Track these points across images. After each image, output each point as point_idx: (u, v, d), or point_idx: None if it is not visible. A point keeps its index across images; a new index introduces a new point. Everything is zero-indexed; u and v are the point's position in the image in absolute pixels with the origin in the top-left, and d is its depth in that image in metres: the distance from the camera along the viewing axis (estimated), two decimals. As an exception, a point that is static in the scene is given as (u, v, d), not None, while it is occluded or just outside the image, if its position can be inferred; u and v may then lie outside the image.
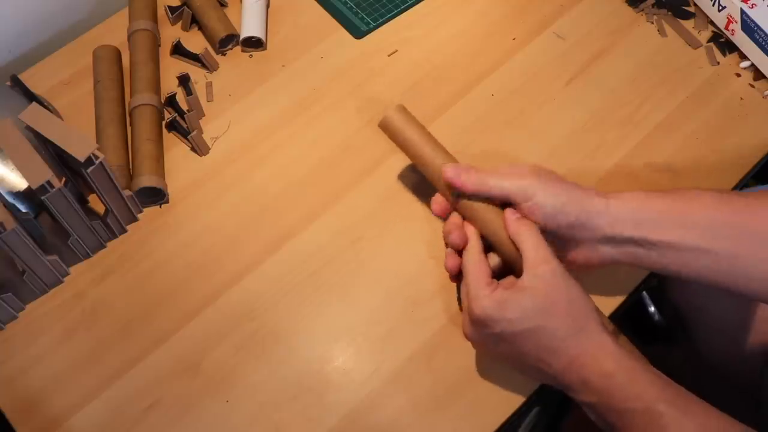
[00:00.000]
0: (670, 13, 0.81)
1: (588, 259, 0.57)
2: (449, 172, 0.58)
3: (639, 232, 0.54)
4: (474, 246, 0.58)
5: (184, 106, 0.74)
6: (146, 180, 0.67)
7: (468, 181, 0.57)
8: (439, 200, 0.61)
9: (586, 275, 0.59)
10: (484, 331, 0.55)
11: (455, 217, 0.60)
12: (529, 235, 0.55)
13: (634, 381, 0.50)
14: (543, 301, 0.52)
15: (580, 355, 0.52)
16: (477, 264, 0.56)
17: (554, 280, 0.53)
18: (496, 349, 0.56)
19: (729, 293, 0.55)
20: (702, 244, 0.53)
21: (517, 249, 0.55)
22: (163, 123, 0.74)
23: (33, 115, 0.60)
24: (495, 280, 0.56)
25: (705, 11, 0.81)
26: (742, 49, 0.78)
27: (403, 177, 0.71)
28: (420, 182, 0.70)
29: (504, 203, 0.58)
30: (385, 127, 0.63)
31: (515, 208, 0.57)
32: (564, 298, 0.52)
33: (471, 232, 0.59)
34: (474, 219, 0.59)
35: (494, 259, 0.59)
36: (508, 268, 0.59)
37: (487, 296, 0.54)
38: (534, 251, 0.54)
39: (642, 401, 0.50)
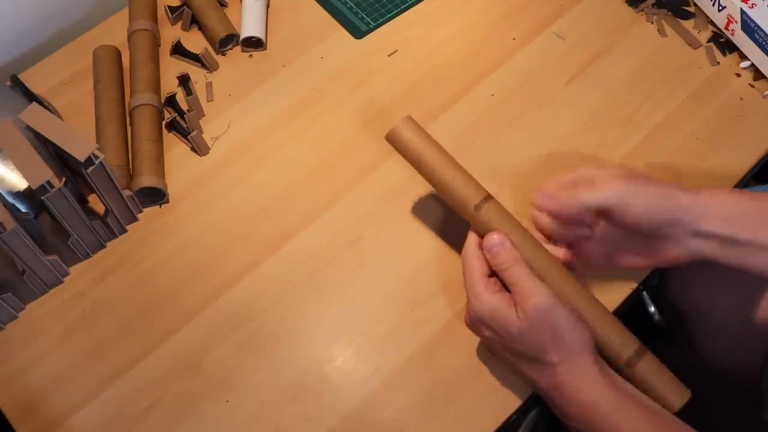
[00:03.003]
0: (670, 13, 0.81)
1: (678, 255, 0.57)
2: (542, 200, 0.56)
3: (728, 229, 0.54)
4: (471, 240, 0.58)
5: (184, 106, 0.74)
6: (146, 180, 0.67)
7: (561, 204, 0.56)
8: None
9: (588, 276, 0.59)
10: (478, 329, 0.57)
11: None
12: (515, 269, 0.55)
13: (615, 414, 0.51)
14: (529, 332, 0.53)
15: (564, 383, 0.53)
16: (473, 259, 0.57)
17: (541, 314, 0.53)
18: (490, 345, 0.58)
19: None
20: None
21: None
22: (163, 123, 0.74)
23: (33, 115, 0.60)
24: (494, 278, 0.56)
25: (705, 11, 0.81)
26: (742, 49, 0.78)
27: (403, 177, 0.71)
28: (419, 182, 0.70)
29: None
30: (393, 140, 0.60)
31: (609, 216, 0.56)
32: (550, 331, 0.53)
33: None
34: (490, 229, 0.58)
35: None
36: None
37: (482, 298, 0.55)
38: (521, 284, 0.54)
39: None
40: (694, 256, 0.56)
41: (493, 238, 0.56)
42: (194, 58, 0.78)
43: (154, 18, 0.79)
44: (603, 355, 0.55)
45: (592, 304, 0.56)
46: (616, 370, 0.55)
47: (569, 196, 0.56)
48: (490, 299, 0.54)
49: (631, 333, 0.57)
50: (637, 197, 0.54)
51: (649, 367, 0.56)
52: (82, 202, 0.66)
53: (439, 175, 0.58)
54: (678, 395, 0.56)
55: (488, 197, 0.58)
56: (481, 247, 0.57)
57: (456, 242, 0.58)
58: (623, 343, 0.56)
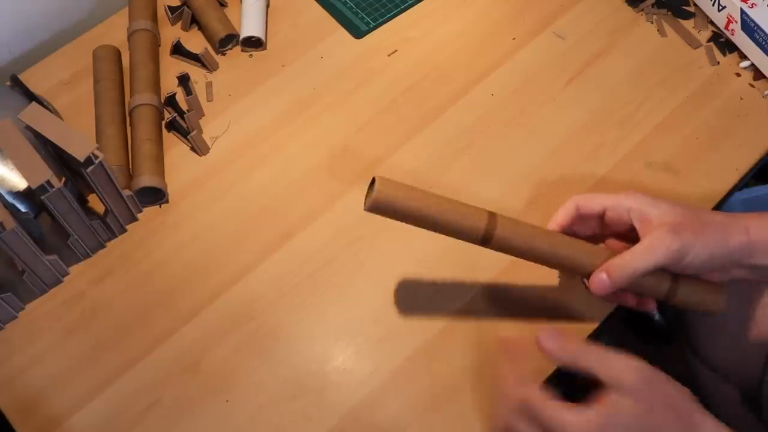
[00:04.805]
0: (670, 13, 0.81)
1: (720, 279, 0.56)
2: (599, 289, 0.53)
3: None
4: (507, 374, 0.53)
5: (184, 106, 0.74)
6: (146, 180, 0.67)
7: (617, 283, 0.53)
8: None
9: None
10: None
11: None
12: (591, 350, 0.50)
13: None
14: (644, 411, 0.47)
15: None
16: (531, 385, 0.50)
17: (646, 385, 0.48)
18: None
19: None
20: None
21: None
22: (163, 123, 0.74)
23: (33, 115, 0.60)
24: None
25: (705, 11, 0.81)
26: (742, 49, 0.78)
27: (402, 176, 0.71)
28: (419, 182, 0.70)
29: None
30: (380, 208, 0.54)
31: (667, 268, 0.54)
32: (662, 400, 0.48)
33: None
34: (522, 250, 0.55)
35: None
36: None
37: (576, 421, 0.47)
38: (608, 362, 0.49)
39: None
40: (735, 278, 0.56)
41: (546, 334, 0.51)
42: (194, 58, 0.78)
43: (154, 18, 0.79)
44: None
45: None
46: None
47: (622, 268, 0.53)
48: (593, 415, 0.47)
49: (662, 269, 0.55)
50: (691, 251, 0.52)
51: (687, 290, 0.56)
52: (82, 202, 0.66)
53: (437, 227, 0.55)
54: (720, 295, 0.57)
55: (490, 225, 0.55)
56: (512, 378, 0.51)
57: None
58: (659, 277, 0.55)
